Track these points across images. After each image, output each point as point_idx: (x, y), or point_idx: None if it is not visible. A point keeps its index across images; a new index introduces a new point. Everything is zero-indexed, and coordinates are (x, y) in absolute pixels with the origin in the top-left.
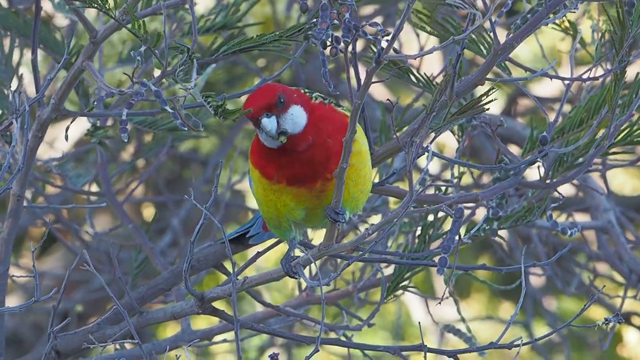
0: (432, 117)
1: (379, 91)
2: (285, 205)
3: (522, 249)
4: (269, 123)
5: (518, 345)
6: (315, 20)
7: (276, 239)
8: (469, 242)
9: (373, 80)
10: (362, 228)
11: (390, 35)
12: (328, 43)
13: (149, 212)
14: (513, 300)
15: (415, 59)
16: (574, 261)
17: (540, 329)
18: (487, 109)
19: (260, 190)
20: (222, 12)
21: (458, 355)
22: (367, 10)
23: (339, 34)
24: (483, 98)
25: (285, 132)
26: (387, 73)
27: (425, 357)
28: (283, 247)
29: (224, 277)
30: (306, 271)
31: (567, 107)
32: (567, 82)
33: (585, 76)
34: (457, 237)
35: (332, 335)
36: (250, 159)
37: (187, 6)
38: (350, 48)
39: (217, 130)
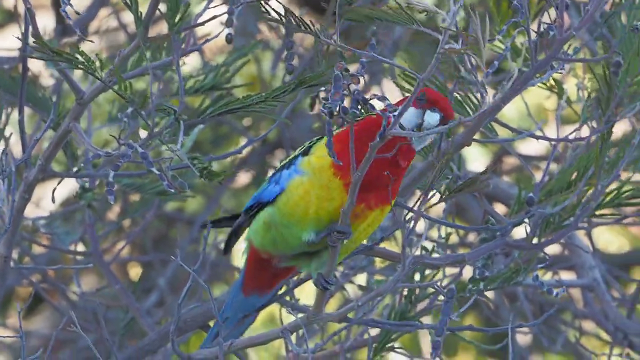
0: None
1: None
2: (326, 203)
3: (508, 309)
4: (435, 116)
5: None
6: (324, 88)
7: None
8: (457, 319)
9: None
10: (348, 287)
11: (397, 112)
12: (335, 112)
13: (135, 271)
14: (499, 358)
15: (419, 137)
16: (560, 319)
17: None
18: (489, 187)
19: (308, 184)
20: (212, 73)
21: None
22: (352, 68)
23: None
24: (481, 177)
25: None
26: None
27: None
28: (271, 310)
29: None
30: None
31: (553, 166)
32: (553, 142)
33: (571, 136)
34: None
35: None
36: (318, 148)
37: (174, 67)
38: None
39: (203, 190)
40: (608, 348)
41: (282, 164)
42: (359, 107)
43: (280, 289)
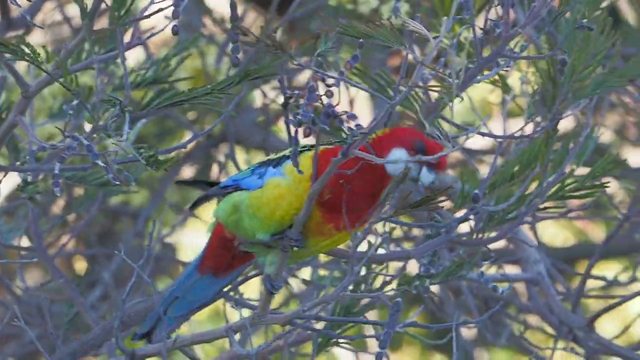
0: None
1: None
2: (293, 212)
3: (453, 304)
4: (431, 176)
5: None
6: (291, 94)
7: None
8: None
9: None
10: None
11: (364, 130)
12: (304, 123)
13: (80, 265)
14: (444, 352)
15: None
16: (504, 313)
17: None
18: (442, 207)
19: (285, 189)
20: (153, 67)
21: None
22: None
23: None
24: (437, 197)
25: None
26: None
27: None
28: (216, 307)
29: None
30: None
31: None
32: (499, 139)
33: (517, 133)
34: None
35: None
36: (305, 157)
37: (118, 60)
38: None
39: (148, 183)
40: (553, 342)
41: (270, 158)
42: (329, 121)
43: (234, 279)
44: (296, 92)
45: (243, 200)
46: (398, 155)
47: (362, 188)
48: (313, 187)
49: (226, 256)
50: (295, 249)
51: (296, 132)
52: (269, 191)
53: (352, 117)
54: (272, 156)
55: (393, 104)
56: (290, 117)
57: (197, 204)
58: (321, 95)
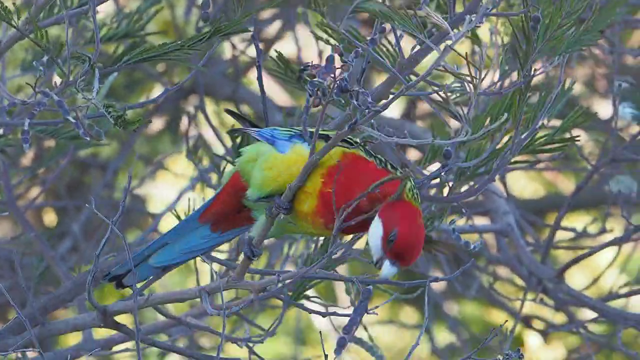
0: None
1: (280, 98)
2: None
3: (423, 256)
4: (392, 271)
5: None
6: (308, 63)
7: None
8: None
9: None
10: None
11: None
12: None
13: (49, 217)
14: (414, 304)
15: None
16: (474, 265)
17: (442, 334)
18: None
19: (301, 160)
20: (125, 21)
21: None
22: (266, 14)
23: None
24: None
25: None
26: None
27: None
28: (188, 266)
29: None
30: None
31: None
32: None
33: (490, 90)
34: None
35: (234, 346)
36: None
37: (89, 15)
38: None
39: (117, 135)
40: (522, 293)
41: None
42: (341, 95)
43: (229, 240)
44: (311, 63)
45: (265, 153)
46: (375, 232)
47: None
48: (311, 157)
49: (233, 207)
50: (282, 216)
51: (308, 100)
52: (288, 155)
53: (366, 94)
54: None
55: (409, 86)
56: (307, 86)
57: (234, 132)
58: (337, 68)
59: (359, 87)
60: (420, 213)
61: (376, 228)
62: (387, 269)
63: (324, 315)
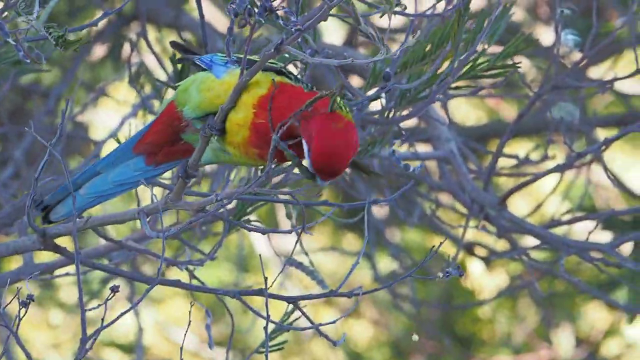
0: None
1: (222, 24)
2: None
3: (363, 181)
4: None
5: (358, 294)
6: None
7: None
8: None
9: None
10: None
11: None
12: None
13: None
14: (356, 231)
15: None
16: (416, 191)
17: (383, 260)
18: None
19: (230, 76)
20: None
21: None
22: None
23: None
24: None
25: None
26: None
27: (266, 303)
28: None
29: None
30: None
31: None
32: (411, 18)
33: (429, 12)
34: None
35: (175, 269)
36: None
37: None
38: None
39: (59, 62)
40: (464, 220)
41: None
42: (265, 14)
43: (161, 174)
44: None
45: (201, 77)
46: (305, 149)
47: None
48: (240, 78)
49: (167, 137)
50: (215, 138)
51: (232, 21)
52: (223, 79)
53: (290, 13)
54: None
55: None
56: (227, 8)
57: (177, 60)
58: None
59: (284, 7)
60: (347, 121)
61: (304, 145)
62: (319, 183)
63: (263, 232)
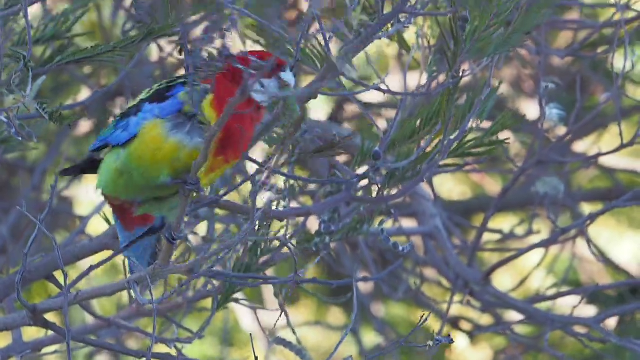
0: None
1: None
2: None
3: (350, 258)
4: (291, 75)
5: None
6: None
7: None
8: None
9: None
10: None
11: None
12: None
13: None
14: (342, 305)
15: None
16: (401, 267)
17: (369, 335)
18: (341, 154)
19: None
20: (52, 23)
21: None
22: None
23: None
24: (339, 141)
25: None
26: None
27: None
28: (113, 261)
29: (53, 286)
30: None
31: (393, 113)
32: (399, 97)
33: (418, 91)
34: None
35: (163, 347)
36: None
37: (19, 16)
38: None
39: (45, 138)
40: (449, 295)
41: (129, 107)
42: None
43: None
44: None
45: (122, 157)
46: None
47: (241, 118)
48: (211, 128)
49: (129, 217)
50: (195, 194)
51: (189, 69)
52: (148, 135)
53: (244, 53)
54: (130, 104)
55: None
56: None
57: (75, 171)
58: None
59: (242, 51)
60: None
61: (268, 70)
62: (286, 75)
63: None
